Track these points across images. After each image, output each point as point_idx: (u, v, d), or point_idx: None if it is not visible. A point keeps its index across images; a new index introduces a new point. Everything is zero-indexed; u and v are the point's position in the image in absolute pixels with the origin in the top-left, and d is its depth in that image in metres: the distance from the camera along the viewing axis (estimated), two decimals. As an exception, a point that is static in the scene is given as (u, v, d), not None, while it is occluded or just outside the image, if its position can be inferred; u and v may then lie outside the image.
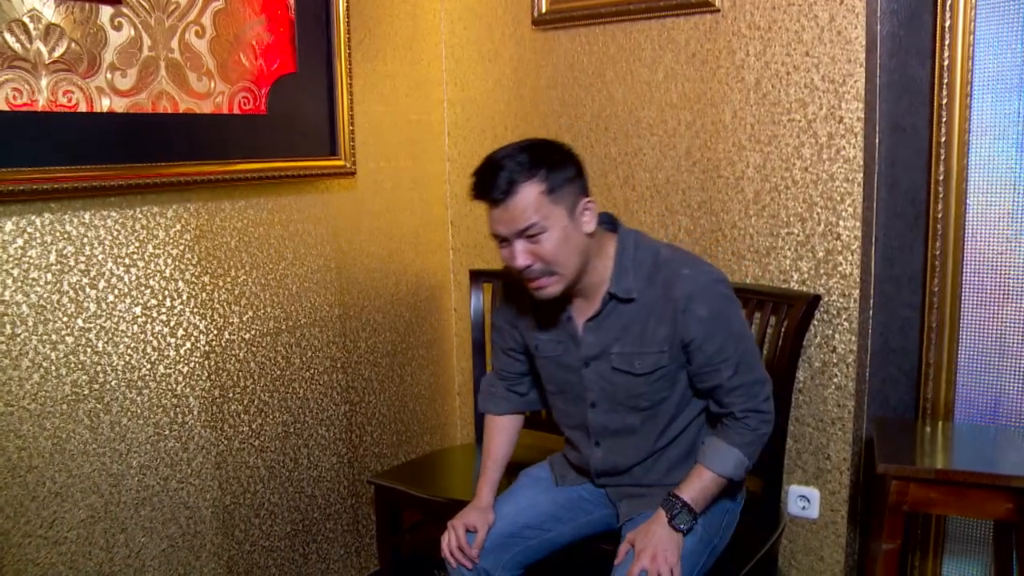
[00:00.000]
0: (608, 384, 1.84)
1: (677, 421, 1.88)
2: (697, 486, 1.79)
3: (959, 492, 1.92)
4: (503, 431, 2.08)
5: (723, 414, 1.82)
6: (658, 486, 1.89)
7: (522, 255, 1.68)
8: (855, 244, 2.27)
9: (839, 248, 2.29)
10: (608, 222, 1.84)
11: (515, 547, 1.93)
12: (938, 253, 2.24)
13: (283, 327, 2.44)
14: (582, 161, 1.77)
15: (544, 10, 2.66)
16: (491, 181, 1.65)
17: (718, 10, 2.38)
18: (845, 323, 2.31)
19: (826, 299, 2.32)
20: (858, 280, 2.29)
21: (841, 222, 2.28)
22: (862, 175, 2.24)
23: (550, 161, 1.68)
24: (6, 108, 1.81)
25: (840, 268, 2.30)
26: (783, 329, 2.25)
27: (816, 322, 2.32)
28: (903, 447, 2.10)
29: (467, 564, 1.88)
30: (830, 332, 2.32)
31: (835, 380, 2.33)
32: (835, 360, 2.33)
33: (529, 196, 1.64)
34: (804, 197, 2.32)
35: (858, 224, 2.26)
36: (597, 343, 1.82)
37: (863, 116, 2.22)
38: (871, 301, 2.37)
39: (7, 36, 1.80)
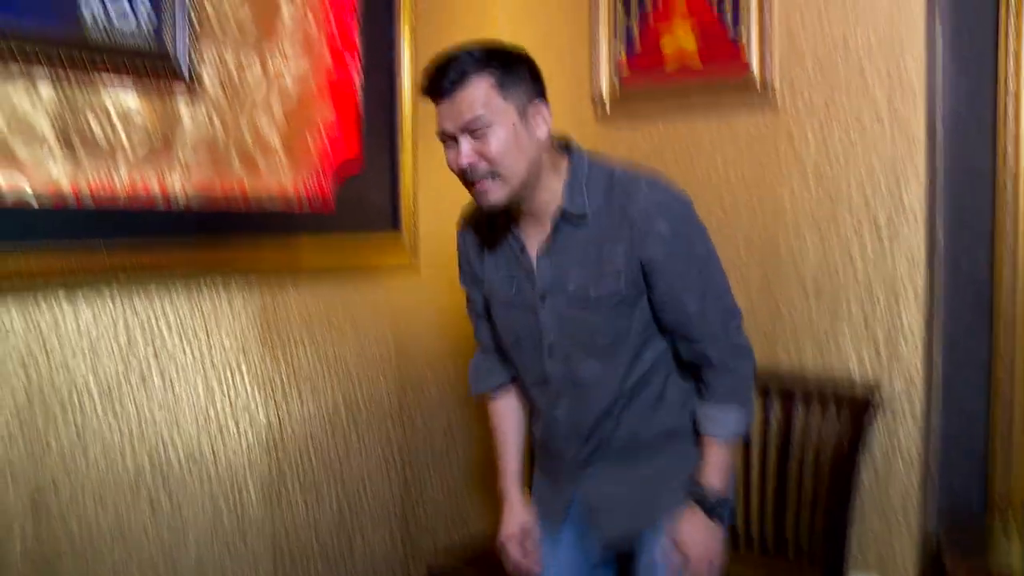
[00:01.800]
0: (566, 322, 1.72)
1: (641, 361, 1.74)
2: (716, 464, 1.70)
3: (1035, 594, 1.84)
4: (509, 414, 1.97)
5: (697, 363, 1.71)
6: (627, 454, 1.77)
7: (467, 154, 1.57)
8: (917, 330, 2.23)
9: (901, 335, 2.25)
10: (563, 146, 1.71)
11: None
12: (1004, 342, 2.19)
13: (341, 406, 2.47)
14: (540, 71, 1.65)
15: (608, 112, 2.74)
16: (442, 74, 1.57)
17: (776, 92, 2.40)
18: (908, 412, 2.25)
19: (888, 387, 2.26)
20: (921, 368, 2.24)
21: (903, 308, 2.24)
22: (924, 260, 2.21)
23: (505, 60, 1.59)
24: (87, 192, 1.90)
25: (902, 355, 2.25)
26: (843, 420, 2.21)
27: (879, 411, 2.27)
28: (974, 544, 2.03)
29: (537, 569, 1.86)
30: (893, 423, 2.26)
31: (898, 472, 2.26)
32: (898, 451, 2.26)
33: (479, 88, 1.56)
34: (864, 282, 2.29)
35: (920, 310, 2.22)
36: (552, 272, 1.70)
37: (924, 200, 2.20)
38: (935, 390, 2.31)
39: (91, 122, 1.90)
